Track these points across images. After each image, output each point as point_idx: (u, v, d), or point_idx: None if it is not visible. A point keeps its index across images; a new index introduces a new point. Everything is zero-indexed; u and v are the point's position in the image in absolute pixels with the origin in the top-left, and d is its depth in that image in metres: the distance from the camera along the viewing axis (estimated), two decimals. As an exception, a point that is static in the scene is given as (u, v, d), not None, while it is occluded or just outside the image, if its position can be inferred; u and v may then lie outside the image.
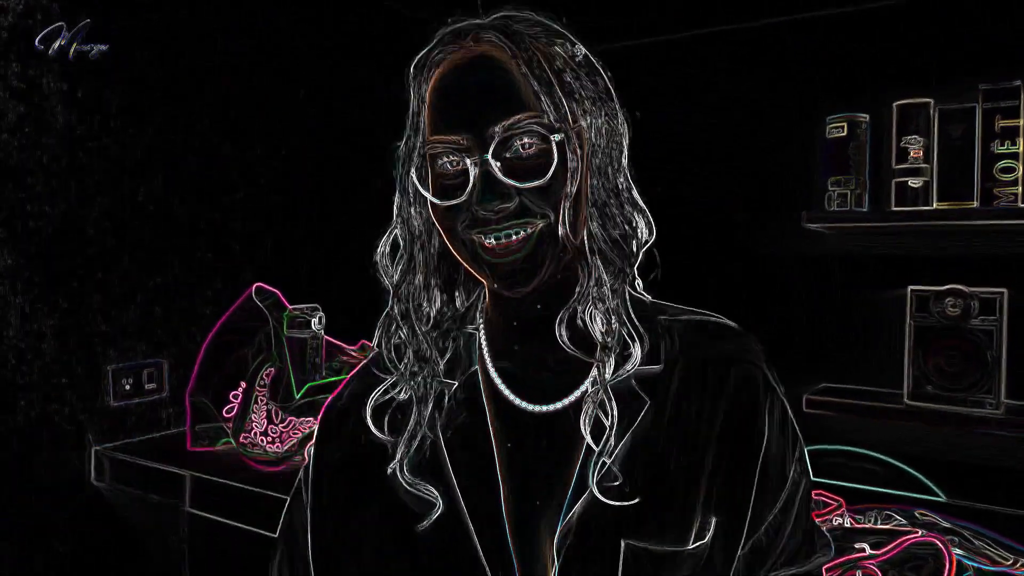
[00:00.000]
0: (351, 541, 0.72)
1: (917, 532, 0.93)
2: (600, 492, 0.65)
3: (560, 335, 0.69)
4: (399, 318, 0.72)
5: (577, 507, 0.66)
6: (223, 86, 1.79)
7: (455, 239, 0.68)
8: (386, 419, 0.73)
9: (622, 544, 0.64)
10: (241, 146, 1.83)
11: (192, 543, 1.55)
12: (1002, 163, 1.88)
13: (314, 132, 2.02)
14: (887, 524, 1.00)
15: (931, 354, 1.94)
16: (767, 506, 0.70)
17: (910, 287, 1.97)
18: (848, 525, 1.00)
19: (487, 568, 0.66)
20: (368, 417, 0.73)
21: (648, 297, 0.75)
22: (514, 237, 0.65)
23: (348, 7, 2.08)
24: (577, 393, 0.70)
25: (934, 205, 1.96)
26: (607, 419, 0.66)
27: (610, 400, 0.67)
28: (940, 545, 0.88)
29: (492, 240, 0.65)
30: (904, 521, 1.01)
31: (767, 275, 2.26)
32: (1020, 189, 1.84)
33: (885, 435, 1.97)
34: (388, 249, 0.75)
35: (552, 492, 0.68)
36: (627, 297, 0.72)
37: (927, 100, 1.97)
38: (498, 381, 0.72)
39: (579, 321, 0.70)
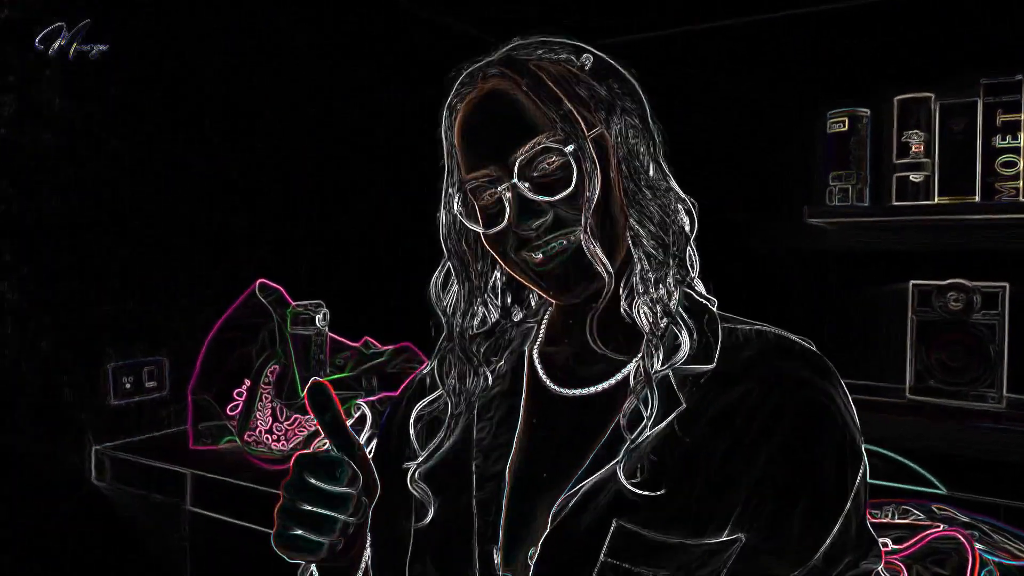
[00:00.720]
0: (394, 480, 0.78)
1: (939, 527, 0.93)
2: (625, 478, 0.66)
3: (591, 329, 0.73)
4: (448, 340, 0.79)
5: (586, 483, 0.67)
6: (223, 85, 1.78)
7: (509, 261, 0.74)
8: (421, 426, 0.80)
9: (613, 523, 0.65)
10: (241, 144, 1.82)
11: (194, 542, 1.54)
12: (1003, 157, 1.89)
13: (314, 129, 2.00)
14: (905, 519, 1.00)
15: (933, 348, 1.94)
16: (821, 534, 0.67)
17: (912, 282, 1.97)
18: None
19: (475, 518, 0.72)
20: (411, 419, 0.80)
21: (714, 303, 0.75)
22: (557, 248, 0.70)
23: (348, 5, 2.06)
24: (608, 383, 0.73)
25: (935, 200, 1.97)
26: (646, 410, 0.67)
27: (653, 393, 0.67)
28: (962, 539, 0.88)
29: (540, 255, 0.70)
30: (922, 516, 1.00)
31: (769, 270, 2.26)
32: (1021, 183, 1.84)
33: (887, 430, 1.98)
34: (441, 280, 0.80)
35: (561, 468, 0.70)
36: (677, 291, 0.72)
37: (928, 94, 1.98)
38: (538, 364, 0.78)
39: (623, 312, 0.72)
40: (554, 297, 0.74)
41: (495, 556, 0.70)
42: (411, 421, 0.79)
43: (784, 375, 0.69)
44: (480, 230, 0.73)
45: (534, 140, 0.69)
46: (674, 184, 0.75)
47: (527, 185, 0.69)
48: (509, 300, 0.83)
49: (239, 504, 1.39)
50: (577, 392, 0.74)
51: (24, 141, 1.43)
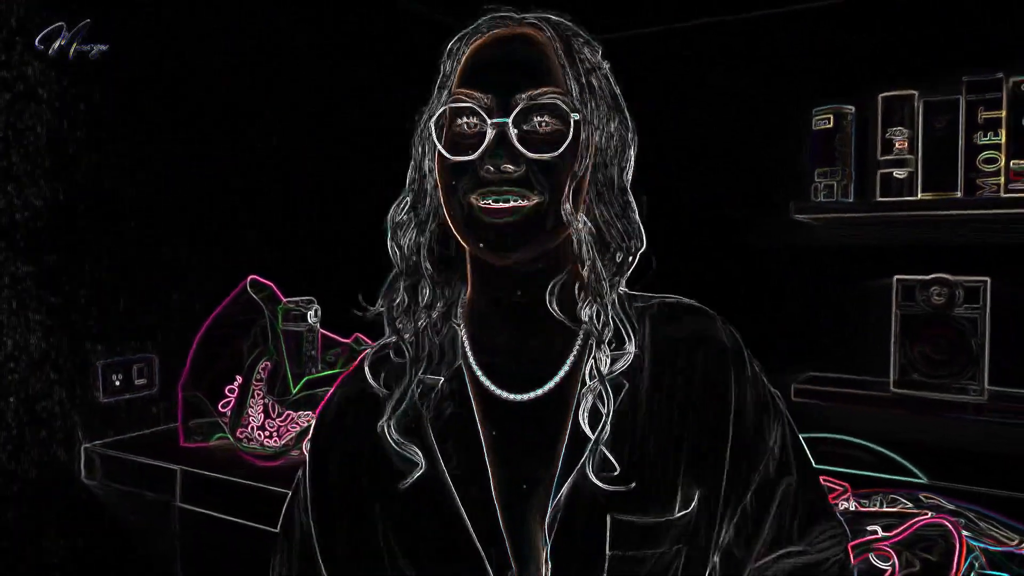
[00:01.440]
0: (351, 536, 0.75)
1: (927, 514, 0.95)
2: (597, 477, 0.68)
3: (551, 306, 0.73)
4: (407, 275, 0.76)
5: (565, 488, 0.68)
6: (218, 84, 1.78)
7: (453, 200, 0.70)
8: (382, 376, 0.76)
9: (608, 519, 0.68)
10: (234, 142, 1.82)
11: (185, 539, 1.53)
12: (985, 154, 1.92)
13: (306, 128, 2.00)
14: (893, 507, 1.02)
15: (917, 342, 1.97)
16: (748, 473, 0.74)
17: (896, 276, 2.00)
18: (855, 509, 1.01)
19: (481, 552, 0.69)
20: (367, 369, 0.76)
21: (625, 290, 0.78)
22: (511, 203, 0.67)
23: (346, 3, 2.07)
24: (555, 381, 0.73)
25: (919, 196, 2.00)
26: (603, 407, 0.69)
27: (607, 391, 0.69)
28: (949, 526, 0.90)
29: (490, 201, 0.67)
30: (910, 504, 1.03)
31: (755, 265, 2.29)
32: (1002, 179, 1.88)
33: (872, 422, 2.01)
34: (402, 214, 0.78)
35: (537, 476, 0.71)
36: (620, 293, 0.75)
37: (912, 92, 2.00)
38: (479, 373, 0.75)
39: (553, 310, 0.73)
40: (483, 249, 0.69)
41: None
42: (367, 370, 0.76)
43: (686, 337, 0.75)
44: (442, 151, 0.70)
45: (547, 87, 0.68)
46: (633, 203, 0.76)
47: (515, 131, 0.67)
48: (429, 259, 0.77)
49: (230, 500, 1.39)
50: (528, 396, 0.73)
51: (20, 140, 1.43)
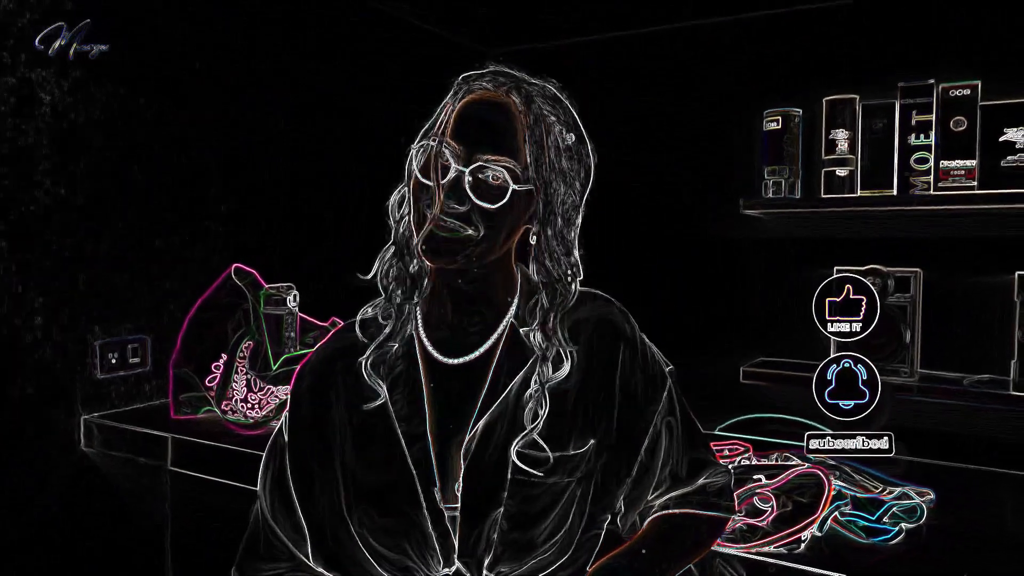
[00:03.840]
0: (321, 466, 0.93)
1: (804, 465, 1.10)
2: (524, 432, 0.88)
3: (466, 312, 0.94)
4: (395, 247, 0.95)
5: (481, 423, 0.89)
6: (207, 81, 1.90)
7: (417, 210, 0.89)
8: (369, 331, 0.96)
9: (511, 450, 0.87)
10: (222, 140, 1.95)
11: (175, 499, 1.69)
12: (917, 154, 2.07)
13: (292, 126, 2.14)
14: (784, 463, 1.18)
15: (853, 328, 2.13)
16: (638, 432, 0.93)
17: (836, 267, 2.15)
18: (750, 463, 1.17)
19: (413, 470, 0.89)
20: (358, 324, 0.96)
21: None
22: (451, 231, 0.86)
23: (325, 5, 2.20)
24: (482, 349, 0.93)
25: (858, 192, 2.15)
26: (542, 409, 0.89)
27: (545, 398, 0.89)
28: (821, 475, 1.06)
29: (440, 220, 0.86)
30: (798, 461, 1.18)
31: (707, 257, 2.44)
32: (932, 178, 2.03)
33: (811, 402, 2.16)
34: (397, 200, 0.95)
35: (461, 418, 0.91)
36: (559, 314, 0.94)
37: (853, 96, 2.15)
38: (427, 342, 0.95)
39: (483, 296, 0.94)
40: (425, 250, 0.87)
41: (436, 495, 0.89)
42: (367, 363, 0.93)
43: (585, 319, 0.94)
44: (416, 169, 0.88)
45: (503, 159, 0.86)
46: (575, 249, 0.95)
47: (469, 179, 0.85)
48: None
49: (217, 464, 1.54)
50: (460, 360, 0.93)
51: (21, 136, 1.54)
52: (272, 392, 1.61)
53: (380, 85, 2.36)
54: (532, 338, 0.91)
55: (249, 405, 1.60)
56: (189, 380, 1.66)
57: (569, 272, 0.93)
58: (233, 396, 1.61)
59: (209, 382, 1.64)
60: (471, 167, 0.85)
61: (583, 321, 0.94)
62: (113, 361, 1.73)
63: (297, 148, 2.16)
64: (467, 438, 0.89)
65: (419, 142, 0.90)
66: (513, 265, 0.96)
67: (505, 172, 0.85)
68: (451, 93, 0.91)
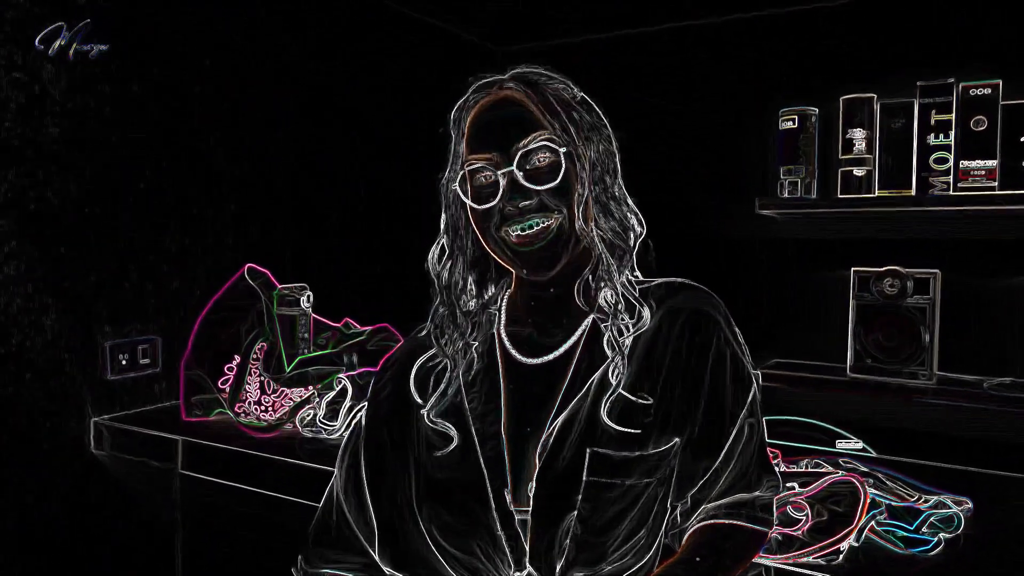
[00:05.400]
0: (395, 460, 0.93)
1: (838, 472, 1.08)
2: (605, 420, 0.85)
3: (579, 302, 0.91)
4: (445, 305, 0.94)
5: (558, 422, 0.86)
6: (216, 80, 1.88)
7: (489, 238, 0.89)
8: (421, 380, 0.95)
9: (588, 451, 0.84)
10: (232, 139, 1.92)
11: (185, 502, 1.66)
12: (936, 154, 2.05)
13: (302, 124, 2.11)
14: (816, 470, 1.15)
15: (871, 330, 2.11)
16: (717, 436, 0.89)
17: (853, 268, 2.13)
18: (781, 471, 1.14)
19: (485, 471, 0.87)
20: (412, 376, 0.95)
21: (638, 276, 0.96)
22: (536, 227, 0.85)
23: (333, 4, 2.18)
24: (562, 350, 0.91)
25: (876, 192, 2.12)
26: (613, 376, 0.86)
27: (623, 357, 0.86)
28: (856, 483, 1.03)
29: (519, 231, 0.85)
30: (830, 468, 1.16)
31: (723, 257, 2.41)
32: (951, 178, 2.01)
33: (830, 405, 2.13)
34: (437, 254, 0.95)
35: (539, 420, 0.89)
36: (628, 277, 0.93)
37: (871, 95, 2.13)
38: (507, 343, 0.94)
39: (575, 295, 0.92)
40: (527, 274, 0.88)
41: (506, 496, 0.87)
42: (411, 376, 0.94)
43: (680, 308, 0.90)
44: (471, 204, 0.88)
45: (535, 134, 0.85)
46: (628, 197, 0.93)
47: (521, 173, 0.85)
48: (474, 280, 0.97)
49: (228, 467, 1.51)
50: (540, 360, 0.92)
51: (27, 137, 1.52)
52: (285, 394, 1.58)
53: (390, 83, 2.33)
54: (602, 297, 0.89)
55: (262, 408, 1.57)
56: (201, 382, 1.63)
57: (631, 216, 0.92)
58: (246, 398, 1.58)
59: (222, 384, 1.61)
60: (515, 161, 0.85)
61: (677, 310, 0.90)
62: (123, 362, 1.70)
63: (306, 147, 2.14)
64: (543, 436, 0.87)
65: (446, 180, 0.91)
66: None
67: (547, 144, 0.85)
68: (452, 125, 0.92)
